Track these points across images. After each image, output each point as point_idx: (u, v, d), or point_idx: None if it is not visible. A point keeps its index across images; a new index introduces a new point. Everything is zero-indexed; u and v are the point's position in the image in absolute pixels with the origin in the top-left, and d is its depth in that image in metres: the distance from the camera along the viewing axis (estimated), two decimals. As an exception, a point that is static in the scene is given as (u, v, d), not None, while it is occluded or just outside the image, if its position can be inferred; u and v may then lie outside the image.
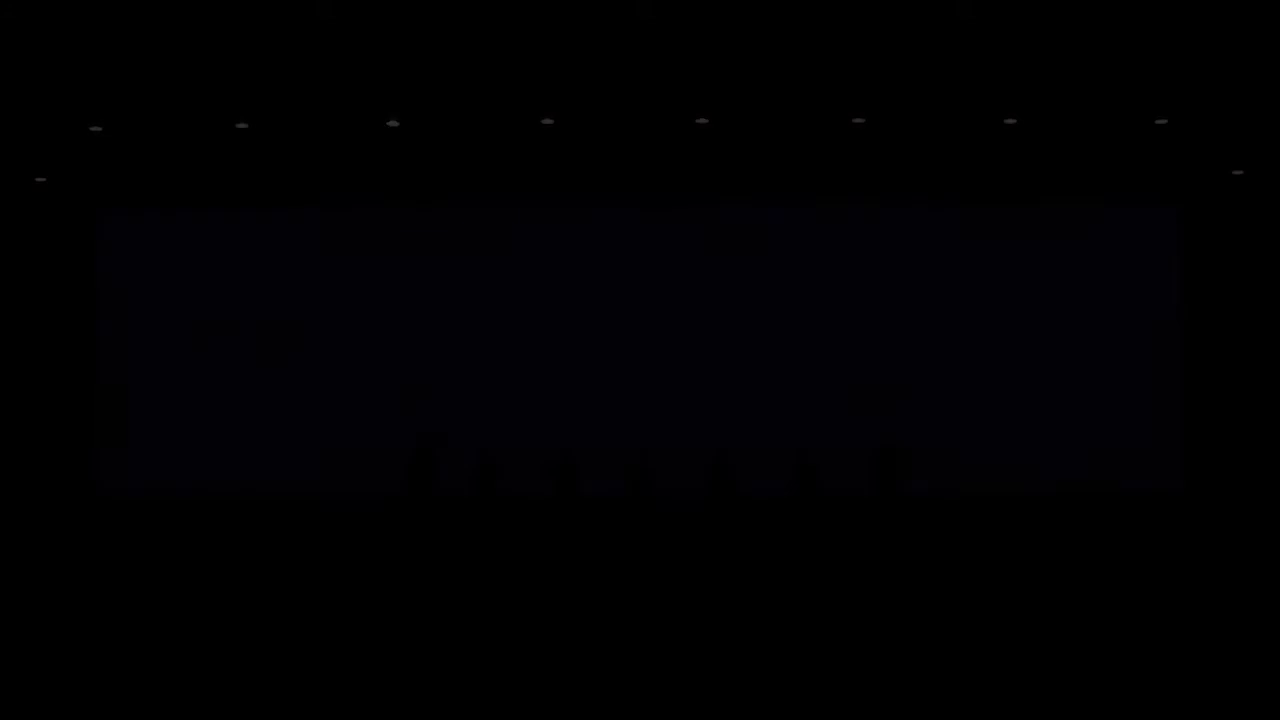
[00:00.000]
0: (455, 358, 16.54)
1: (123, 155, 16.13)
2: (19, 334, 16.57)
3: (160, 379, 16.59)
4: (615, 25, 13.96)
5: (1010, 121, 15.12)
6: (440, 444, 15.22)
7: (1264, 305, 16.25)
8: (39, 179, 16.43)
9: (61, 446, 16.38)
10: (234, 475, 16.24)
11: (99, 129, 15.29)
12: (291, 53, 14.40)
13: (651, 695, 7.09)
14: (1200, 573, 12.53)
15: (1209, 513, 15.58)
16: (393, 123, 15.27)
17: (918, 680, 7.42)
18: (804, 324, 16.50)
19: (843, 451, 15.30)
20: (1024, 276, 16.52)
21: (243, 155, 15.89)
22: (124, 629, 9.27)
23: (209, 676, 7.61)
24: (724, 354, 16.44)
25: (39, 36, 14.10)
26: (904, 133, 15.35)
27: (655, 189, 16.50)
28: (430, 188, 16.68)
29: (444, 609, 10.42)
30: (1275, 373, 16.16)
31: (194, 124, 15.32)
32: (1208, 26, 13.91)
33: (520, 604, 10.61)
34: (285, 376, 16.55)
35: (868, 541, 14.79)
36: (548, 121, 15.32)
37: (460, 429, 15.83)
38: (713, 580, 12.29)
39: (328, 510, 15.96)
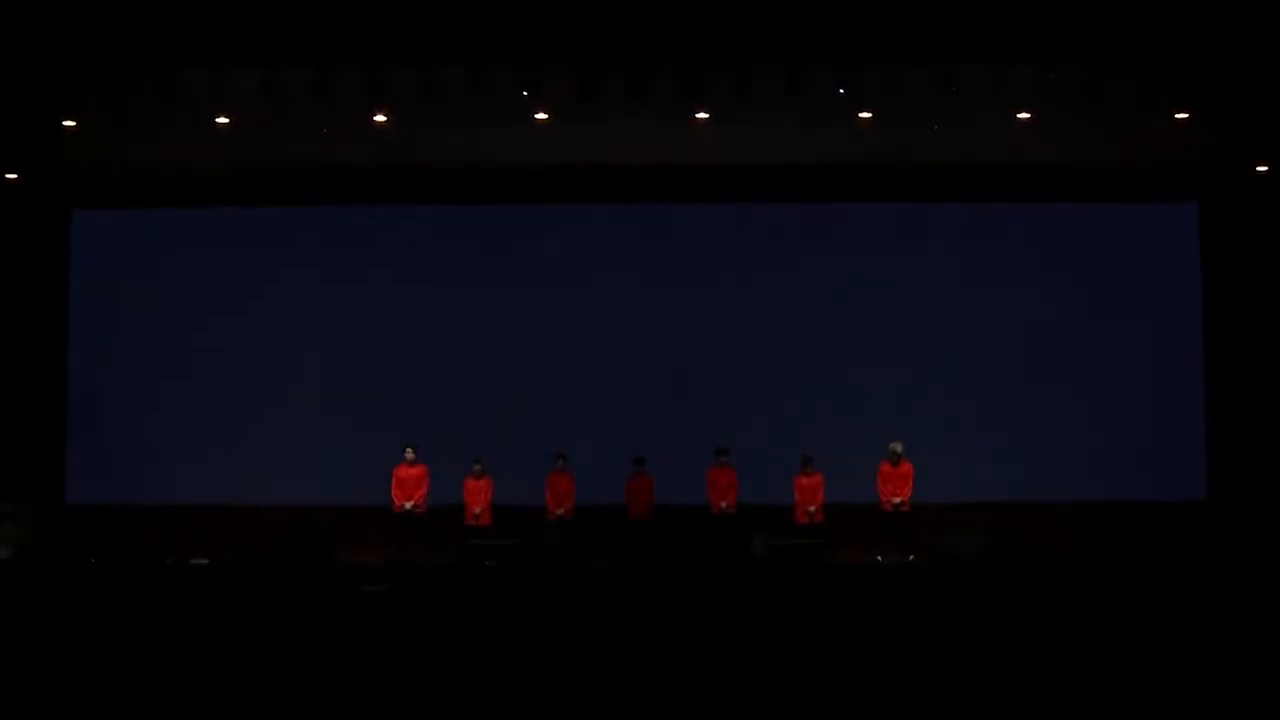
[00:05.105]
0: (453, 359, 15.92)
1: (98, 154, 15.48)
2: None
3: (135, 382, 15.99)
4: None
5: (1023, 116, 14.68)
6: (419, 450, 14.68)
7: None
8: (10, 176, 15.87)
9: (32, 451, 15.75)
10: (214, 482, 15.58)
11: (73, 125, 14.77)
12: (274, 49, 13.98)
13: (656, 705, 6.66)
14: (1223, 581, 12.17)
15: (1233, 520, 15.08)
16: (380, 117, 14.76)
17: (942, 683, 7.07)
18: (803, 323, 15.93)
19: (852, 457, 14.75)
20: (1040, 275, 15.98)
21: (222, 153, 15.31)
22: (101, 646, 8.80)
23: (200, 686, 7.14)
24: (723, 355, 15.87)
25: (10, 32, 13.66)
26: (914, 128, 14.85)
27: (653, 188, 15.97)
28: (421, 187, 16.14)
29: (442, 617, 10.01)
30: None
31: (172, 122, 14.82)
32: (1230, 19, 13.56)
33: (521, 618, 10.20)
34: (267, 380, 15.92)
35: (883, 547, 14.37)
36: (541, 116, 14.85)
37: (459, 432, 15.25)
38: (713, 585, 11.93)
39: (314, 518, 15.30)
